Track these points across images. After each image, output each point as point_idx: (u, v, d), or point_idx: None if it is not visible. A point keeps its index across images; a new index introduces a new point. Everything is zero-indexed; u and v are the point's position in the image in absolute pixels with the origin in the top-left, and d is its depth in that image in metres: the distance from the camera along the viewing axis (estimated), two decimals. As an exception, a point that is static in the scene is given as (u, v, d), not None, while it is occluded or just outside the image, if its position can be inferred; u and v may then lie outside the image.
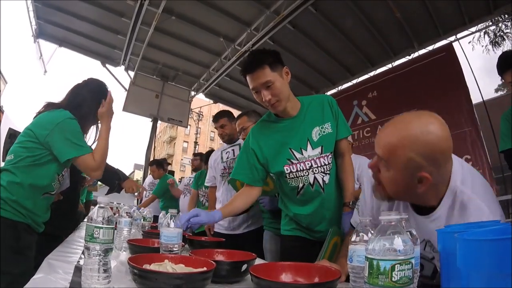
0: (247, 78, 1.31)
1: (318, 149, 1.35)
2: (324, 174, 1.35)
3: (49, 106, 1.48)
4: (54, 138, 1.33)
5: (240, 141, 2.39)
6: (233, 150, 2.41)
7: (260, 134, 1.42)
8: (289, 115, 1.39)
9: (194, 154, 4.35)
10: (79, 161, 1.38)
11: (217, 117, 2.41)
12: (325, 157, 1.35)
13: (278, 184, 1.47)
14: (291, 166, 1.35)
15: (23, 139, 1.36)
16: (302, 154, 1.35)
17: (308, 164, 1.35)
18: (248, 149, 1.43)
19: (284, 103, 1.33)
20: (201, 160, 3.88)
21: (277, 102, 1.31)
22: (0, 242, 1.22)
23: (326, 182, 1.36)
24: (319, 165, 1.35)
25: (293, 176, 1.36)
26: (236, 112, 2.72)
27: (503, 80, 1.94)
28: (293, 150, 1.36)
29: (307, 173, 1.35)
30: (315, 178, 1.35)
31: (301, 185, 1.36)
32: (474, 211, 0.74)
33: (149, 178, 4.64)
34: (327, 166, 1.36)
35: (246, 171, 1.41)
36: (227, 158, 2.41)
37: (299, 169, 1.35)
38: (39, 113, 1.45)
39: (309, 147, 1.36)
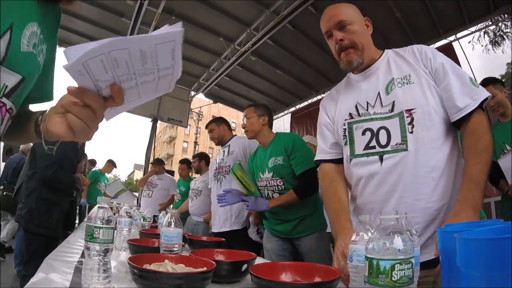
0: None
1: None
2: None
3: None
4: None
5: (230, 142, 2.53)
6: (223, 151, 2.55)
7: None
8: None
9: (193, 156, 4.07)
10: None
11: (207, 124, 2.74)
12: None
13: None
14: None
15: None
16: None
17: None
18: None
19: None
20: (199, 160, 3.76)
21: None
22: None
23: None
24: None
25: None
26: (235, 112, 2.74)
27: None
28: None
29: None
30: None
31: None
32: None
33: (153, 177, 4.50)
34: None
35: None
36: (220, 158, 2.54)
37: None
38: None
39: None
